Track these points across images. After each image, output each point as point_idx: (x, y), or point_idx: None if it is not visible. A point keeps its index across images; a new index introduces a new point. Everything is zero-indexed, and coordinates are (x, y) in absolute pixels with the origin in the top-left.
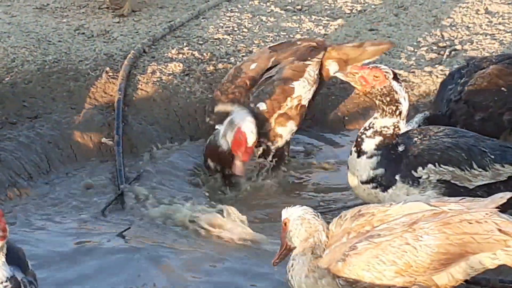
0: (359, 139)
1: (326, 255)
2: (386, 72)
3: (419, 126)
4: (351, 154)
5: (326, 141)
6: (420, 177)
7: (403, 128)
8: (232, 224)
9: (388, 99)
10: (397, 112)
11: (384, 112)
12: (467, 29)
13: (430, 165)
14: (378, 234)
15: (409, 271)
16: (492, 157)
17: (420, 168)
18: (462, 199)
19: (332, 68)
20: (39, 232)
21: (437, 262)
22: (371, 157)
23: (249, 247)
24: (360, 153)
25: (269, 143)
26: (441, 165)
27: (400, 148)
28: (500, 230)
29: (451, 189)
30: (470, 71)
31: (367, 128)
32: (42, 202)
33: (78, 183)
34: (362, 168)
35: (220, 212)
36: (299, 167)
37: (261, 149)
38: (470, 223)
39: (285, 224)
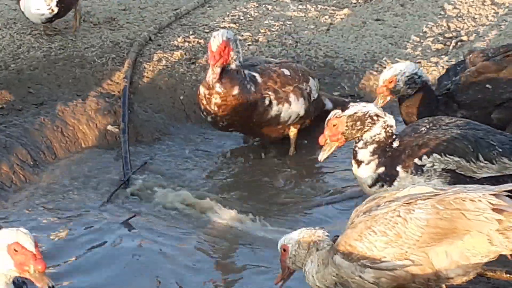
0: (354, 152)
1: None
2: (335, 114)
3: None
4: (352, 166)
5: None
6: (423, 165)
7: (392, 121)
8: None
9: (359, 123)
10: (375, 118)
11: (367, 132)
12: (473, 20)
13: (435, 154)
14: (376, 209)
15: (399, 242)
16: (500, 150)
17: (425, 157)
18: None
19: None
20: (44, 219)
21: (427, 235)
22: (369, 163)
23: (243, 231)
24: (358, 163)
25: (275, 102)
26: (447, 155)
27: (395, 144)
28: (494, 210)
29: (456, 179)
30: (465, 67)
31: (357, 141)
32: (47, 189)
33: (83, 170)
34: (365, 175)
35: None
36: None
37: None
38: (464, 200)
39: (284, 250)
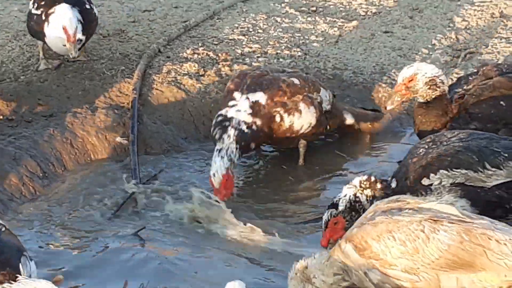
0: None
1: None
2: (330, 214)
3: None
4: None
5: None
6: (431, 184)
7: (379, 184)
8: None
9: (353, 213)
10: (363, 198)
11: (362, 211)
12: (482, 32)
13: (441, 170)
14: (399, 213)
15: (415, 257)
16: (506, 155)
17: (432, 175)
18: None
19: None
20: (54, 231)
21: (444, 260)
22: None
23: (260, 246)
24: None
25: (284, 114)
26: (453, 169)
27: (393, 185)
28: None
29: (467, 191)
30: (477, 79)
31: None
32: (56, 201)
33: (92, 182)
34: None
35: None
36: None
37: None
38: (490, 239)
39: None
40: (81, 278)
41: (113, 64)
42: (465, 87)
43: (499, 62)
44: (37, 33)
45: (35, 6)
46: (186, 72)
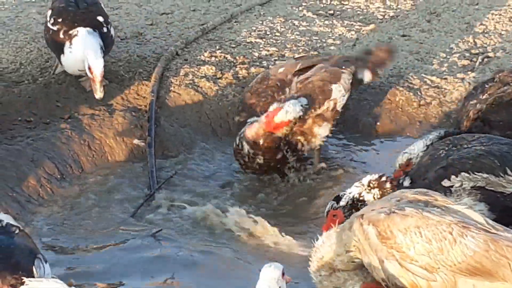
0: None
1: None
2: (332, 206)
3: (431, 144)
4: None
5: (356, 146)
6: (451, 186)
7: (383, 182)
8: (263, 231)
9: (353, 210)
10: (362, 196)
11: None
12: (500, 36)
13: (463, 173)
14: (429, 210)
15: (438, 257)
16: None
17: (453, 177)
18: None
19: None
20: (70, 232)
21: (466, 265)
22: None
23: (280, 251)
24: None
25: (305, 142)
26: (474, 172)
27: (406, 183)
28: None
29: (487, 195)
30: (493, 86)
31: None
32: (73, 202)
33: (109, 183)
34: None
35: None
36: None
37: (297, 144)
38: None
39: None
40: (97, 278)
41: (130, 66)
42: (481, 97)
43: None
44: (55, 49)
45: (51, 22)
46: (204, 75)
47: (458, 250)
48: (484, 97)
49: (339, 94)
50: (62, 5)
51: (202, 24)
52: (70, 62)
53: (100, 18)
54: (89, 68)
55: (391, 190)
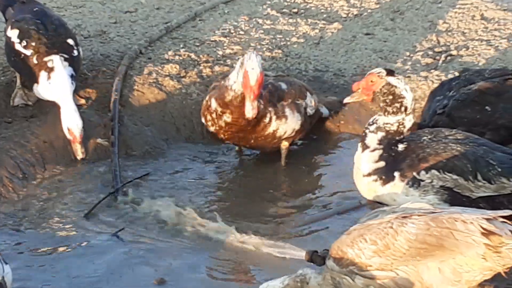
0: (363, 134)
1: None
2: (379, 72)
3: None
4: (357, 149)
5: (320, 145)
6: (422, 180)
7: (409, 123)
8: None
9: (390, 97)
10: (402, 109)
11: (386, 112)
12: (462, 35)
13: (433, 171)
14: (372, 219)
15: (387, 252)
16: (499, 170)
17: (423, 172)
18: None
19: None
20: (31, 232)
21: (414, 249)
22: (373, 150)
23: (243, 249)
24: (364, 147)
25: (273, 116)
26: (445, 172)
27: (400, 147)
28: (483, 234)
29: (453, 197)
30: (460, 84)
31: (371, 123)
32: (36, 202)
33: (72, 183)
34: (365, 161)
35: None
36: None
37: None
38: (456, 220)
39: None
40: (56, 279)
41: (94, 65)
42: (447, 93)
43: (480, 66)
44: (28, 75)
45: (23, 44)
46: (167, 74)
47: (401, 239)
48: (450, 93)
49: (310, 100)
50: (32, 28)
51: (166, 23)
52: (47, 93)
53: (70, 41)
54: (68, 129)
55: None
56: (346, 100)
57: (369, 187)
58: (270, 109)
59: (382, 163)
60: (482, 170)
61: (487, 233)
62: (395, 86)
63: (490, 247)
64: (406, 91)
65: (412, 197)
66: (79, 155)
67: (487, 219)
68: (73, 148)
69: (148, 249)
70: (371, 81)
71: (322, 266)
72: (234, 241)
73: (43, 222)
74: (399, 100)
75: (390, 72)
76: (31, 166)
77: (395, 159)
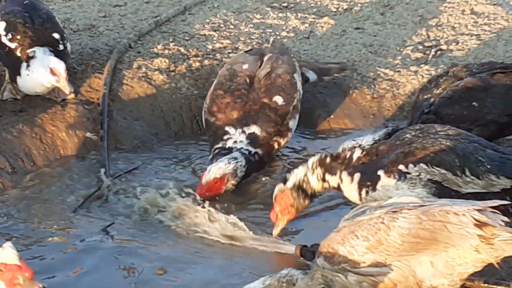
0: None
1: None
2: (280, 190)
3: (379, 140)
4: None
5: (309, 140)
6: (408, 173)
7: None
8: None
9: (301, 191)
10: (308, 178)
11: (308, 190)
12: (452, 29)
13: (422, 164)
14: (361, 215)
15: (380, 248)
16: (489, 167)
17: (411, 165)
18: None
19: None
20: (20, 226)
21: (407, 244)
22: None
23: (232, 245)
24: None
25: (281, 140)
26: (433, 166)
27: (356, 155)
28: (476, 225)
29: (441, 191)
30: (447, 80)
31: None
32: (25, 197)
33: (62, 177)
34: (349, 191)
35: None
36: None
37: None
38: (447, 213)
39: None
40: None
41: (83, 59)
42: (435, 91)
43: (470, 60)
44: (11, 67)
45: (8, 37)
46: (157, 68)
47: (394, 234)
48: (437, 91)
49: (299, 84)
50: (19, 21)
51: (156, 16)
52: (28, 84)
53: (56, 35)
54: (52, 70)
55: (334, 164)
56: (274, 233)
57: (368, 200)
58: (275, 138)
59: (357, 175)
60: (471, 166)
61: (480, 224)
62: (294, 184)
63: (483, 239)
64: (297, 173)
65: (402, 190)
66: (68, 89)
67: (479, 210)
68: (60, 86)
69: (140, 243)
70: (282, 198)
71: (307, 267)
72: (227, 231)
73: (32, 216)
74: (302, 182)
75: (284, 180)
76: (20, 160)
77: (369, 163)
